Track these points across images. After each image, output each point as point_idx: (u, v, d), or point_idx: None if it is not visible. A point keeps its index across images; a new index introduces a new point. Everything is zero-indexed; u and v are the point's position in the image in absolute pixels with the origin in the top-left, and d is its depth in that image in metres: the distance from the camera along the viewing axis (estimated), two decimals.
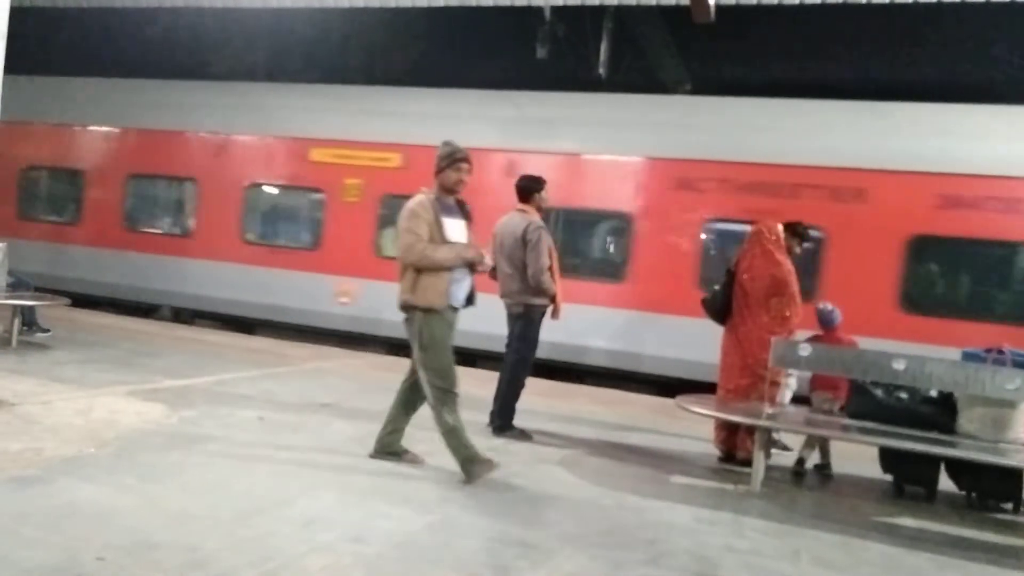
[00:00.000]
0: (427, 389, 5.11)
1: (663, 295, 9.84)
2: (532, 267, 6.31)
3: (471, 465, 5.03)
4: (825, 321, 6.57)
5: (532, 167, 8.32)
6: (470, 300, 5.28)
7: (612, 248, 10.77)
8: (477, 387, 8.05)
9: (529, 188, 6.59)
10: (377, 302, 10.61)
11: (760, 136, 9.93)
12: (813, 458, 6.36)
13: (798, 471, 6.24)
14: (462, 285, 5.17)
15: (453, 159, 5.18)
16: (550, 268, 6.41)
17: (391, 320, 8.71)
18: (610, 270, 10.43)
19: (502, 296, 6.57)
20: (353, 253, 11.28)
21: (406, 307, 5.11)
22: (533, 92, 11.48)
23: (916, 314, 8.93)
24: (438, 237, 5.04)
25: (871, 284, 9.06)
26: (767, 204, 9.13)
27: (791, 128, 9.94)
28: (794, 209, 8.39)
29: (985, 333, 7.97)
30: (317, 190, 11.73)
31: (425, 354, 5.07)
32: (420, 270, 5.02)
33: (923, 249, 9.07)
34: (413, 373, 5.30)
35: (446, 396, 5.09)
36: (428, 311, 5.03)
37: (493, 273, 6.65)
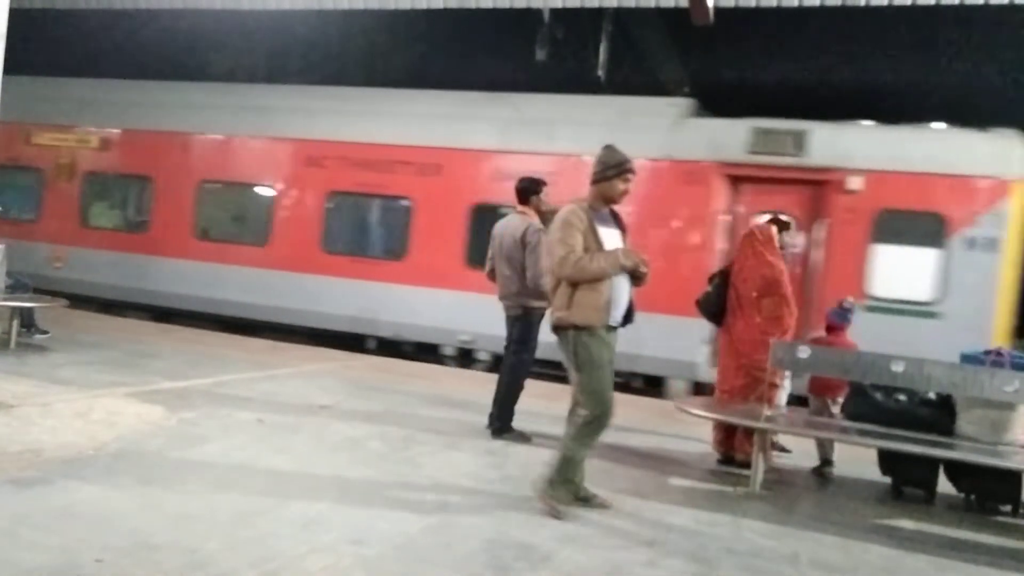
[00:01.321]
0: (578, 411, 4.71)
1: (293, 257, 11.78)
2: (531, 270, 6.31)
3: (561, 492, 4.65)
4: (840, 319, 6.55)
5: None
6: (628, 318, 4.87)
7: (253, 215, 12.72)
8: (476, 389, 8.06)
9: (528, 190, 6.58)
10: (82, 265, 12.90)
11: (367, 121, 11.73)
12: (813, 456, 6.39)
13: (822, 472, 6.25)
14: (621, 301, 4.75)
15: (622, 168, 4.73)
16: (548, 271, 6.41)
17: (94, 281, 12.61)
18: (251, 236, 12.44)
19: (501, 298, 6.56)
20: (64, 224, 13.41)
21: (560, 326, 4.70)
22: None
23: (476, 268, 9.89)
24: (594, 247, 4.63)
25: (446, 244, 10.95)
26: (372, 178, 11.35)
27: (389, 113, 11.75)
28: (390, 182, 11.22)
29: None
30: (38, 169, 13.63)
31: (581, 375, 4.65)
32: (575, 285, 4.62)
33: (481, 215, 10.54)
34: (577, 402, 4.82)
35: (597, 424, 4.65)
36: (583, 329, 4.62)
37: (492, 275, 6.66)
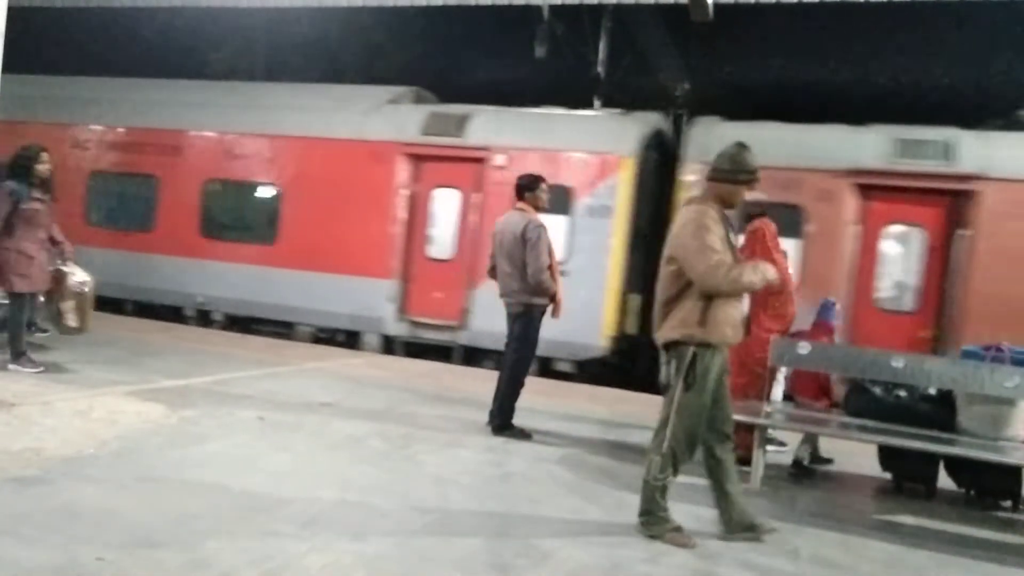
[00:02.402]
0: (667, 432, 4.30)
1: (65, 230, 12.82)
2: (532, 266, 6.30)
3: (659, 528, 4.30)
4: (825, 315, 6.58)
5: None
6: None
7: None
8: (477, 386, 8.07)
9: (528, 186, 6.58)
10: None
11: (121, 108, 13.02)
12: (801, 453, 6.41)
13: (793, 472, 6.25)
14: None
15: (754, 177, 4.34)
16: (550, 267, 6.40)
17: None
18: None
19: (501, 295, 6.56)
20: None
21: (682, 342, 4.23)
22: None
23: (209, 238, 12.31)
24: (731, 256, 4.21)
25: (187, 217, 12.33)
26: (127, 159, 12.81)
27: (139, 101, 12.98)
28: (140, 161, 12.65)
29: (247, 252, 11.95)
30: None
31: (687, 395, 4.24)
32: (710, 298, 4.18)
33: (212, 189, 12.39)
34: (723, 438, 4.47)
35: (687, 449, 4.31)
36: (709, 347, 4.22)
37: (493, 272, 6.65)
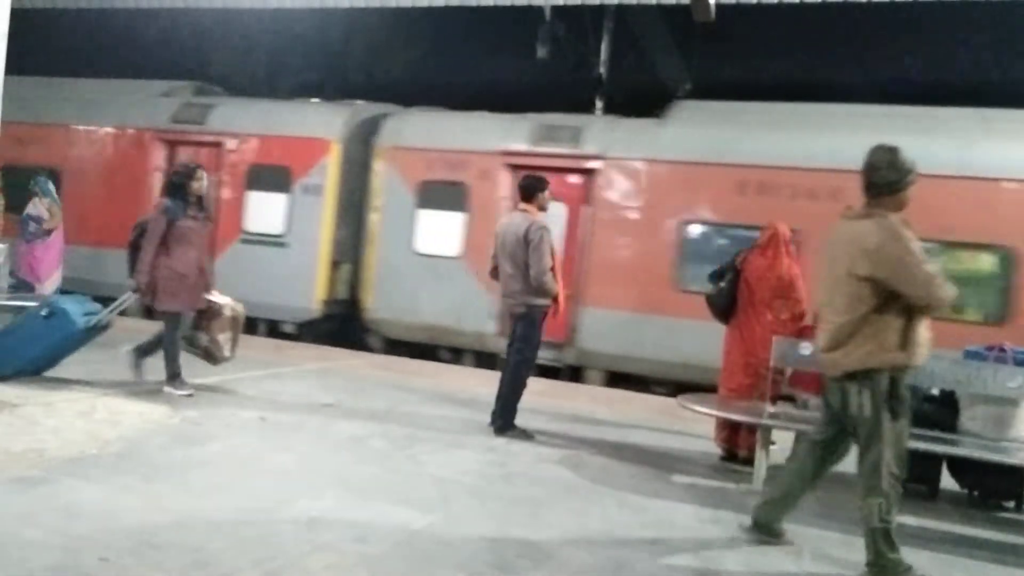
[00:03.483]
0: (883, 469, 4.05)
1: None
2: (535, 268, 6.30)
3: (893, 574, 4.03)
4: None
5: None
6: None
7: None
8: (479, 386, 8.07)
9: (531, 188, 6.58)
10: None
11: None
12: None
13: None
14: None
15: (915, 171, 4.02)
16: (552, 268, 6.40)
17: None
18: None
19: (504, 296, 6.56)
20: None
21: (876, 370, 3.89)
22: None
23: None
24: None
25: None
26: None
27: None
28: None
29: None
30: None
31: (896, 424, 3.97)
32: (912, 318, 3.88)
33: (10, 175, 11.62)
34: (829, 445, 4.39)
35: (901, 474, 4.10)
36: (904, 370, 3.94)
37: (494, 273, 6.65)
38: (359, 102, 12.61)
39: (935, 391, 5.85)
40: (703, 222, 10.06)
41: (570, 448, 6.28)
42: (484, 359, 10.77)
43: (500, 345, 9.60)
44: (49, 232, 10.39)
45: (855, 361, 3.93)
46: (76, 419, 5.61)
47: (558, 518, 4.52)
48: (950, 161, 8.80)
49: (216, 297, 7.10)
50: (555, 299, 6.45)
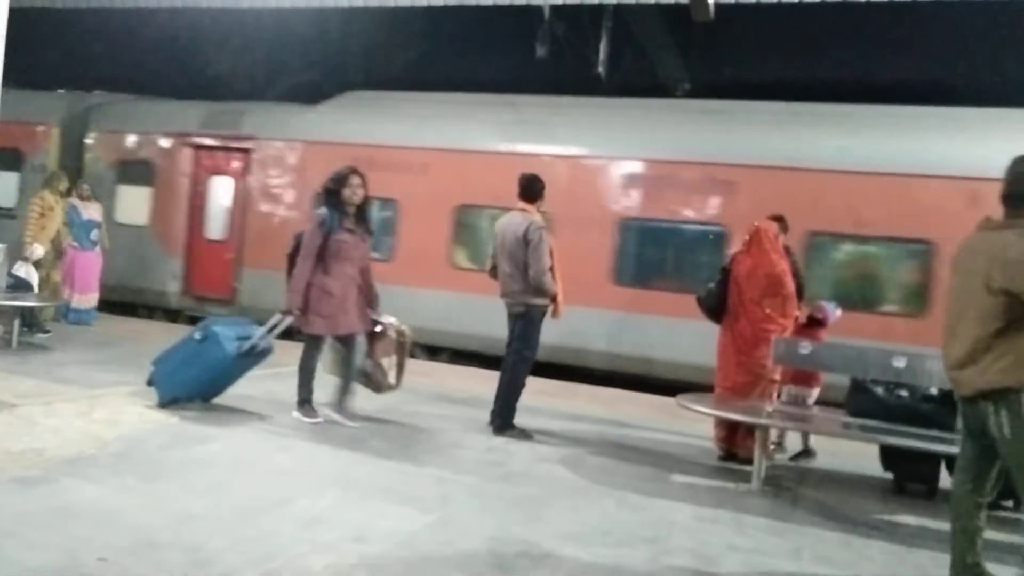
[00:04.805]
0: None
1: None
2: (534, 268, 6.30)
3: None
4: (823, 316, 6.62)
5: None
6: None
7: None
8: (477, 386, 8.06)
9: (531, 187, 6.58)
10: None
11: None
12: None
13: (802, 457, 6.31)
14: None
15: None
16: (551, 268, 6.40)
17: None
18: None
19: (502, 296, 6.56)
20: None
21: (1014, 389, 3.60)
22: None
23: None
24: None
25: None
26: None
27: None
28: None
29: None
30: None
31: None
32: None
33: None
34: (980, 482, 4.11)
35: None
36: None
37: (493, 273, 6.65)
38: (80, 92, 14.15)
39: (934, 390, 5.85)
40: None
41: (569, 448, 6.28)
42: (170, 315, 12.51)
43: (185, 303, 12.45)
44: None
45: (990, 379, 3.66)
46: (75, 419, 5.61)
47: (557, 517, 4.52)
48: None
49: (381, 318, 6.49)
50: (554, 299, 6.45)
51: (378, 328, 6.42)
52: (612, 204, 10.26)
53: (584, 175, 10.38)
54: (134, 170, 12.88)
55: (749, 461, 5.77)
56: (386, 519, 4.20)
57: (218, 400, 6.64)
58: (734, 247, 7.56)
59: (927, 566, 4.36)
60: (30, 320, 8.71)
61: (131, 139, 13.08)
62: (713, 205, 9.93)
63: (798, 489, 5.81)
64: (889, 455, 5.93)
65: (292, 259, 6.25)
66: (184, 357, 6.16)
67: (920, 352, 6.03)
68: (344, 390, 6.32)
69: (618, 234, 10.14)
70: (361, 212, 6.29)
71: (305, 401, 6.31)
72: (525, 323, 6.45)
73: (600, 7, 13.50)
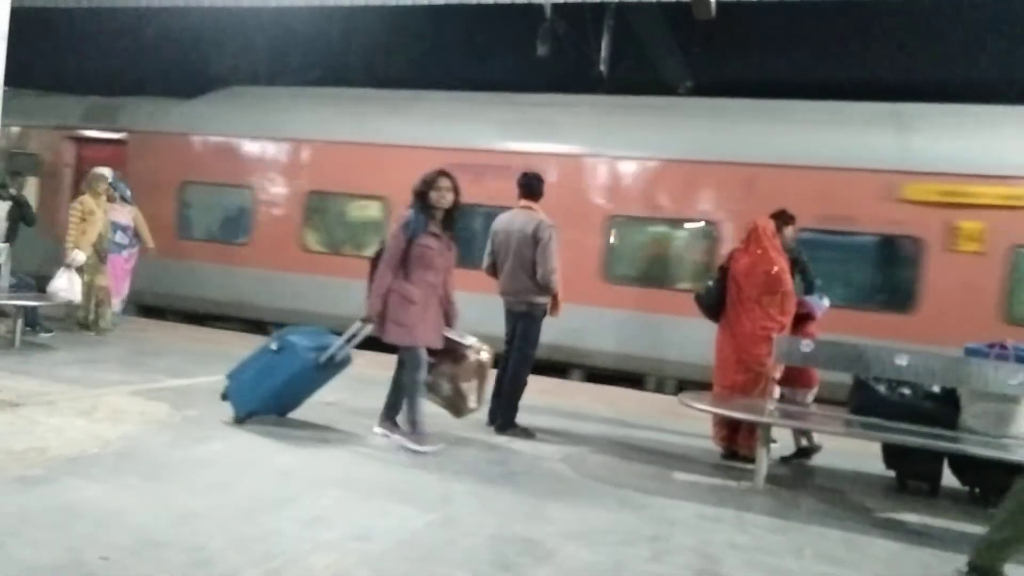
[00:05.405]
0: None
1: None
2: (543, 267, 6.28)
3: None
4: (807, 310, 6.59)
5: None
6: None
7: None
8: None
9: (532, 186, 6.58)
10: None
11: None
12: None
13: (803, 456, 6.30)
14: None
15: None
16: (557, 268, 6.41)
17: None
18: None
19: (503, 294, 6.55)
20: None
21: None
22: None
23: None
24: None
25: None
26: None
27: None
28: None
29: None
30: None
31: None
32: None
33: None
34: None
35: None
36: None
37: (491, 270, 6.63)
38: None
39: (936, 388, 5.85)
40: (200, 182, 12.53)
41: (571, 446, 6.28)
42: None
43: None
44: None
45: None
46: (77, 418, 5.62)
47: (559, 516, 4.52)
48: None
49: (460, 337, 6.00)
50: (554, 297, 6.46)
51: (459, 348, 5.95)
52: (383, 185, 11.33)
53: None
54: (22, 161, 13.40)
55: (751, 460, 5.77)
56: (388, 518, 4.20)
57: (216, 400, 6.63)
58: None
59: (930, 564, 4.36)
60: (32, 320, 8.72)
61: (20, 132, 13.73)
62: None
63: (800, 487, 5.81)
64: (891, 453, 5.93)
65: (375, 264, 5.88)
66: (259, 369, 5.87)
67: (922, 350, 6.03)
68: (414, 410, 5.78)
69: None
70: (449, 217, 5.86)
71: (414, 423, 5.71)
72: (528, 322, 6.45)
73: (602, 5, 13.50)
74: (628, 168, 10.44)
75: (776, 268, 6.28)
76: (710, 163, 10.04)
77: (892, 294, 9.48)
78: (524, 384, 6.53)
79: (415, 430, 5.70)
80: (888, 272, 9.69)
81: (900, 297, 9.29)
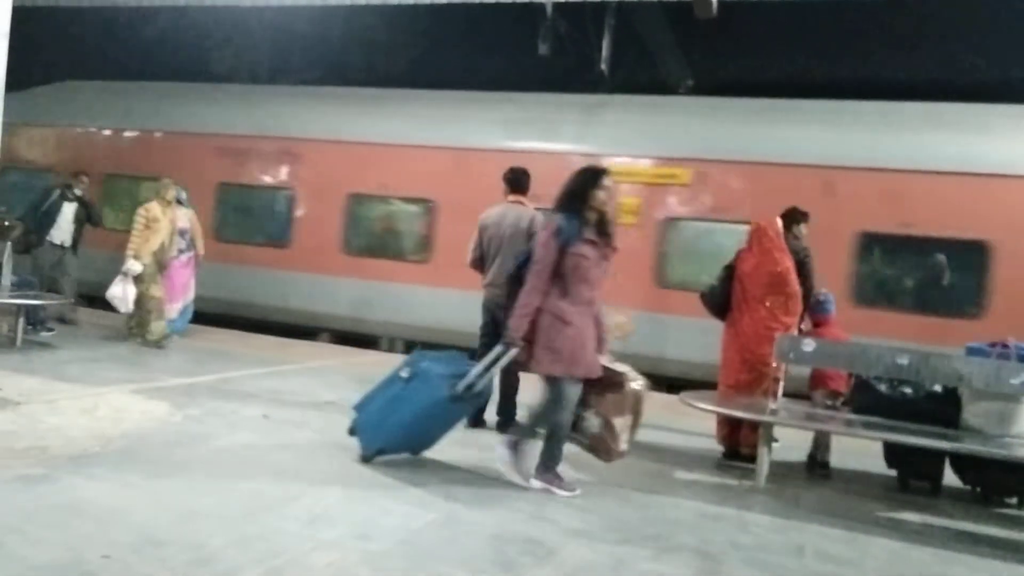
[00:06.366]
0: None
1: None
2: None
3: None
4: (819, 311, 6.56)
5: None
6: None
7: None
8: None
9: (518, 180, 6.59)
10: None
11: None
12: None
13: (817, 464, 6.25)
14: None
15: None
16: None
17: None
18: None
19: (490, 286, 6.48)
20: None
21: None
22: None
23: None
24: None
25: None
26: None
27: None
28: None
29: None
30: None
31: None
32: None
33: None
34: None
35: None
36: None
37: (476, 264, 6.61)
38: None
39: (938, 387, 5.85)
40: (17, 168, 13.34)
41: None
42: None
43: None
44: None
45: None
46: (79, 417, 5.62)
47: (560, 514, 4.51)
48: None
49: (611, 363, 5.11)
50: None
51: (612, 376, 5.05)
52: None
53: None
54: None
55: (753, 459, 5.76)
56: (389, 516, 4.20)
57: (220, 398, 6.65)
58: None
59: (931, 563, 4.35)
60: (34, 318, 8.73)
61: None
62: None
63: (801, 486, 5.80)
64: (893, 452, 5.93)
65: (517, 279, 5.03)
66: (388, 400, 5.15)
67: (923, 350, 6.03)
68: (554, 451, 5.01)
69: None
70: (604, 221, 4.97)
71: (552, 462, 4.98)
72: None
73: (603, 4, 13.51)
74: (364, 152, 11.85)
75: (780, 268, 6.28)
76: (427, 148, 11.45)
77: None
78: (518, 379, 6.51)
79: (552, 469, 4.96)
80: None
81: None
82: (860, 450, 6.45)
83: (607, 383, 5.01)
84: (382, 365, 9.49)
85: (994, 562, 4.47)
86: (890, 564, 4.30)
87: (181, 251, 9.58)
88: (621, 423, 4.99)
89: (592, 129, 11.05)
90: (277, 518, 4.01)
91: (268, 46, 19.70)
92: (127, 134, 13.48)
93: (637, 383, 5.04)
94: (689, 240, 10.26)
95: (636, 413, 5.04)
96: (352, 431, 5.27)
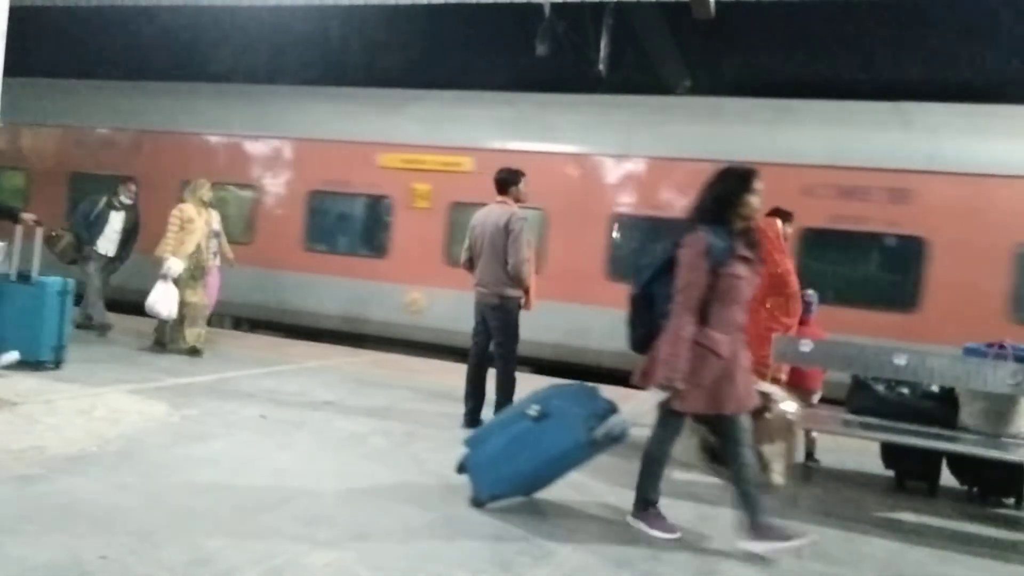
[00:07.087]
0: None
1: None
2: (514, 257, 6.35)
3: None
4: (804, 311, 6.57)
5: None
6: None
7: None
8: (457, 381, 8.03)
9: (507, 181, 6.63)
10: None
11: None
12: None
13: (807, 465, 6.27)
14: None
15: None
16: (528, 260, 6.46)
17: None
18: None
19: (478, 284, 6.56)
20: None
21: None
22: None
23: None
24: None
25: None
26: None
27: None
28: None
29: None
30: None
31: None
32: None
33: None
34: None
35: None
36: None
37: (467, 264, 6.66)
38: None
39: (935, 387, 5.86)
40: None
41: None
42: None
43: None
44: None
45: None
46: (76, 417, 5.62)
47: (558, 515, 4.52)
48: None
49: (759, 387, 4.55)
50: (527, 291, 6.49)
51: (767, 401, 4.55)
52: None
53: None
54: None
55: None
56: (387, 517, 4.20)
57: (218, 398, 6.65)
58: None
59: (928, 563, 4.36)
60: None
61: None
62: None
63: (799, 486, 5.81)
64: (890, 452, 5.94)
65: (639, 304, 4.37)
66: (512, 440, 4.55)
67: (922, 350, 6.03)
68: (750, 501, 4.17)
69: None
70: (751, 231, 4.30)
71: (648, 502, 4.44)
72: (503, 316, 6.47)
73: (601, 5, 13.52)
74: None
75: (780, 269, 6.28)
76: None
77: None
78: (514, 380, 6.53)
79: (650, 508, 4.44)
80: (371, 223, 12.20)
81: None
82: (857, 450, 6.46)
83: (761, 411, 4.51)
84: (379, 365, 9.52)
85: (991, 562, 4.48)
86: (887, 564, 4.30)
87: (214, 254, 8.92)
88: (771, 451, 4.57)
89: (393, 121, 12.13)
90: (275, 518, 4.01)
91: (266, 46, 19.69)
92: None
93: (787, 405, 4.51)
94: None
95: (789, 440, 4.56)
96: (461, 468, 4.71)
